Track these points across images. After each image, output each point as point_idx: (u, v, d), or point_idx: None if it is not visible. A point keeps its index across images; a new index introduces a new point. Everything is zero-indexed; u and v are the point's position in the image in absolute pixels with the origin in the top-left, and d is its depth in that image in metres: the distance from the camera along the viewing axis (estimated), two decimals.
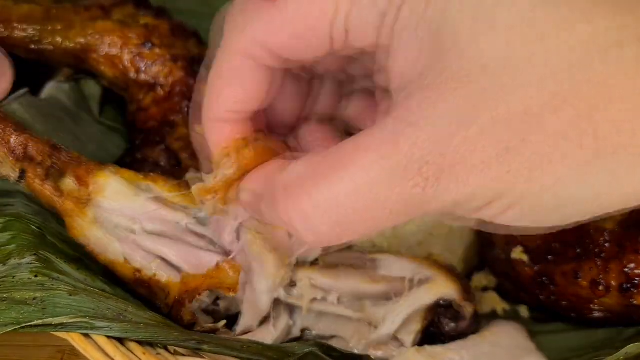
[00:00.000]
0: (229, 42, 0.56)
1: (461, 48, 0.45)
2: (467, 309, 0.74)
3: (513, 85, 0.44)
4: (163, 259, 0.74)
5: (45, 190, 0.70)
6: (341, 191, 0.46)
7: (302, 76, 0.65)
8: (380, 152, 0.46)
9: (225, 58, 0.56)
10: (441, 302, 0.75)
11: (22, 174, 0.70)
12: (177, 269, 0.73)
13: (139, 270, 0.73)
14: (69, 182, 0.71)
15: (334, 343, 0.77)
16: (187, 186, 0.76)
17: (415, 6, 0.47)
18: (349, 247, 0.87)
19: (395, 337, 0.76)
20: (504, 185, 0.45)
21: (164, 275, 0.73)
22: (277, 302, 0.75)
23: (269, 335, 0.75)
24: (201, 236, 0.74)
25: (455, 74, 0.45)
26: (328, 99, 0.67)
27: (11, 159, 0.69)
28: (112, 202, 0.72)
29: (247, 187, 0.59)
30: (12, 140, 0.69)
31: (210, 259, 0.72)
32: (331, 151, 0.49)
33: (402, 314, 0.74)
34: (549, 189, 0.45)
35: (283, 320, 0.76)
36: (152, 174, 0.76)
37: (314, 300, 0.75)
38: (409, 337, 0.75)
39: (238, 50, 0.55)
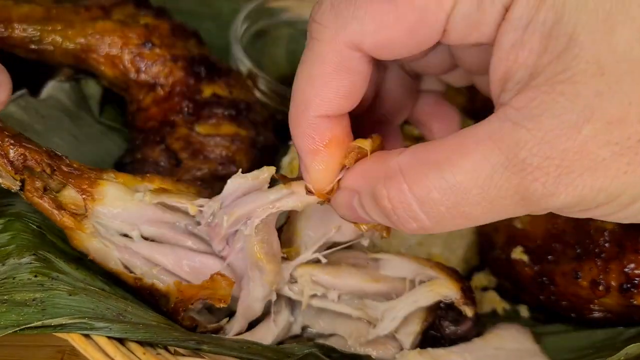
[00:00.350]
0: (330, 36, 0.54)
1: (577, 51, 0.45)
2: (468, 312, 0.74)
3: (632, 84, 0.45)
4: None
5: (44, 204, 0.71)
6: (453, 180, 0.48)
7: (374, 76, 0.63)
8: (485, 149, 0.47)
9: (328, 51, 0.54)
10: (442, 304, 0.75)
11: (23, 184, 0.70)
12: (174, 275, 0.74)
13: (139, 279, 0.74)
14: (67, 194, 0.72)
15: (333, 341, 0.77)
16: (184, 184, 0.77)
17: (528, 6, 0.47)
18: (351, 247, 0.88)
19: (394, 337, 0.76)
20: (622, 182, 0.46)
21: (163, 283, 0.73)
22: (278, 298, 0.76)
23: (269, 332, 0.75)
24: (200, 238, 0.74)
25: (568, 76, 0.45)
26: (397, 99, 0.68)
27: (10, 169, 0.69)
28: (111, 208, 0.72)
29: (346, 184, 0.58)
30: (11, 151, 0.70)
31: (206, 263, 0.72)
32: (438, 144, 0.51)
33: (402, 312, 0.74)
34: None
35: (284, 317, 0.77)
36: (148, 174, 0.76)
37: (313, 296, 0.75)
38: (407, 338, 0.75)
39: (342, 45, 0.53)
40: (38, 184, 0.70)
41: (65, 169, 0.72)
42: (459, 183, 0.48)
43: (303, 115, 0.57)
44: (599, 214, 0.50)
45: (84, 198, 0.71)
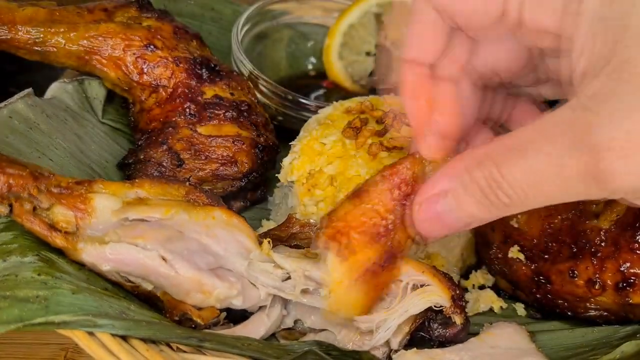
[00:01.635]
0: None
1: None
2: (457, 320, 0.75)
3: None
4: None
5: (35, 227, 0.72)
6: (532, 161, 0.54)
7: (478, 88, 0.69)
8: (560, 133, 0.53)
9: (414, 9, 0.65)
10: (432, 307, 0.76)
11: (12, 208, 0.71)
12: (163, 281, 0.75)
13: (136, 286, 0.75)
14: (57, 212, 0.73)
15: (323, 335, 0.78)
16: (175, 185, 0.79)
17: None
18: None
19: None
20: None
21: (160, 289, 0.75)
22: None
23: (262, 324, 0.77)
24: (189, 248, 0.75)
25: (633, 65, 0.49)
26: (497, 107, 0.73)
27: None
28: (100, 220, 0.74)
29: (434, 190, 0.63)
30: None
31: (185, 272, 0.74)
32: (520, 131, 0.56)
33: (394, 322, 0.74)
34: None
35: (276, 310, 0.78)
36: (137, 180, 0.78)
37: (305, 290, 0.76)
38: (395, 338, 0.76)
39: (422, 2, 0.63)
40: (27, 206, 0.72)
41: (54, 190, 0.73)
42: (537, 164, 0.54)
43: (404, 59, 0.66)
44: None
45: (79, 216, 0.73)
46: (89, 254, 0.73)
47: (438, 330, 0.77)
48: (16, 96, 0.89)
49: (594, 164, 0.51)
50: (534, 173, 0.55)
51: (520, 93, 0.73)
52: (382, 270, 0.69)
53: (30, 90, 0.91)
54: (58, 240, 0.72)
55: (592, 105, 0.51)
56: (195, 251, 0.74)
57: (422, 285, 0.76)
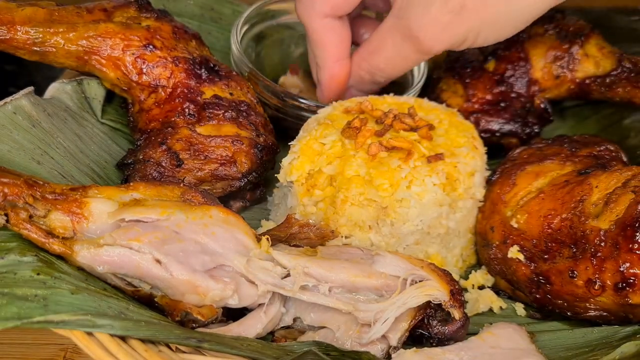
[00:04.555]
0: None
1: None
2: (456, 314, 0.76)
3: None
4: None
5: (32, 234, 0.72)
6: (387, 55, 0.98)
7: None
8: (395, 31, 0.95)
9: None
10: (431, 304, 0.77)
11: (8, 218, 0.72)
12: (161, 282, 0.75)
13: (137, 290, 0.75)
14: (54, 218, 0.73)
15: (322, 333, 0.79)
16: (170, 187, 0.80)
17: None
18: (347, 244, 0.89)
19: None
20: (466, 28, 0.90)
21: (157, 290, 0.75)
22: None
23: (258, 322, 0.77)
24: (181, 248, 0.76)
25: None
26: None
27: None
28: (97, 224, 0.75)
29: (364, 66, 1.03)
30: None
31: (179, 275, 0.74)
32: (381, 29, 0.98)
33: (392, 314, 0.75)
34: (498, 14, 0.89)
35: (275, 308, 0.78)
36: (132, 183, 0.79)
37: (304, 287, 0.76)
38: (395, 334, 0.76)
39: None
40: (23, 214, 0.72)
41: (49, 196, 0.74)
42: (389, 53, 0.96)
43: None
44: (465, 46, 0.94)
45: (76, 221, 0.73)
46: (84, 256, 0.73)
47: (437, 327, 0.78)
48: (20, 92, 0.90)
49: (402, 23, 0.92)
50: (389, 59, 0.97)
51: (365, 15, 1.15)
52: None
53: (31, 88, 0.92)
54: (56, 247, 0.72)
55: (402, 12, 0.92)
56: (191, 252, 0.75)
57: (420, 281, 0.77)
